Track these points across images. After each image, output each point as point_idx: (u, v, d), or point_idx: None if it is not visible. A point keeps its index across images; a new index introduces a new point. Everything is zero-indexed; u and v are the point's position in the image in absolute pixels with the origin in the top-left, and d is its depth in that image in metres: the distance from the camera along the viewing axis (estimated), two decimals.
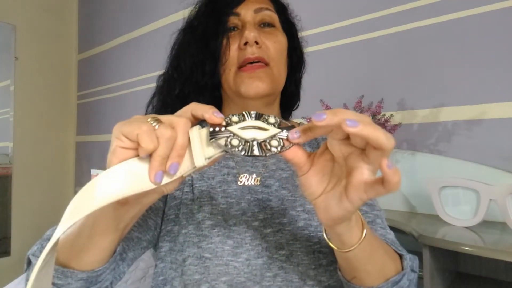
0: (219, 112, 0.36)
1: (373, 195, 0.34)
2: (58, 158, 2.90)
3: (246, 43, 0.58)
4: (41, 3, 2.81)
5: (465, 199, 0.99)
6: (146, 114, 0.66)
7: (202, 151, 0.35)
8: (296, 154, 0.36)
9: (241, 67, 0.59)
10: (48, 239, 0.47)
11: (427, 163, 1.22)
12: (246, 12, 0.60)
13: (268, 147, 0.35)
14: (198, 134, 0.35)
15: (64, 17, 2.97)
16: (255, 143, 0.35)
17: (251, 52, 0.57)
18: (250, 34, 0.57)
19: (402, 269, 0.49)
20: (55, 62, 2.90)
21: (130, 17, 2.54)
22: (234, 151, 0.34)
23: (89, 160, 2.82)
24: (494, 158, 1.12)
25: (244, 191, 0.59)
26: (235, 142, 0.35)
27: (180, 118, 0.35)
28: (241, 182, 0.60)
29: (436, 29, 1.26)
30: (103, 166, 2.45)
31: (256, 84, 0.57)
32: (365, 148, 0.33)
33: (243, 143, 0.35)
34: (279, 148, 0.35)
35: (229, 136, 0.35)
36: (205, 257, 0.53)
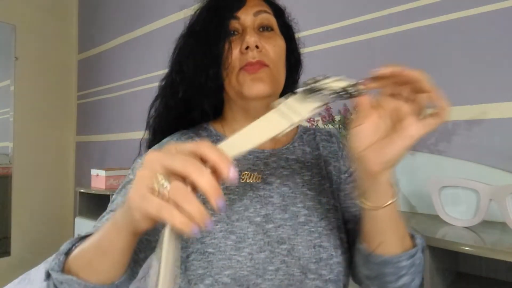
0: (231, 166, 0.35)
1: (428, 128, 0.43)
2: (58, 158, 2.90)
3: (247, 48, 0.59)
4: (41, 3, 2.81)
5: (465, 199, 0.99)
6: (148, 116, 0.69)
7: (296, 109, 0.42)
8: (367, 99, 0.46)
9: (242, 68, 0.60)
10: (64, 253, 0.48)
11: (427, 163, 1.22)
12: (246, 16, 0.62)
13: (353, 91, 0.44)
14: (286, 103, 0.43)
15: (64, 17, 2.97)
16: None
17: (252, 56, 0.59)
18: (251, 39, 0.59)
19: (415, 246, 0.54)
20: (55, 62, 2.91)
21: (130, 17, 2.54)
22: (336, 96, 0.43)
23: (89, 160, 2.81)
24: (494, 158, 1.12)
25: (246, 188, 0.61)
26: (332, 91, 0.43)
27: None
28: (243, 179, 0.61)
29: (436, 29, 1.26)
30: (103, 166, 2.45)
31: (257, 86, 0.59)
32: (411, 98, 0.44)
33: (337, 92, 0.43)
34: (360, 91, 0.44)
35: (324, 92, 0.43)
36: (208, 252, 0.54)
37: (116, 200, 0.59)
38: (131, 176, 0.61)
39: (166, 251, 0.34)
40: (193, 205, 0.32)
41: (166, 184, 0.33)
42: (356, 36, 1.45)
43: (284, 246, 0.57)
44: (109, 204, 0.60)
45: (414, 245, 0.54)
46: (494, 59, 1.15)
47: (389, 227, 0.51)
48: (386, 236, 0.51)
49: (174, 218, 0.32)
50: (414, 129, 0.43)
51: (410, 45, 1.32)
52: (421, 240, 0.55)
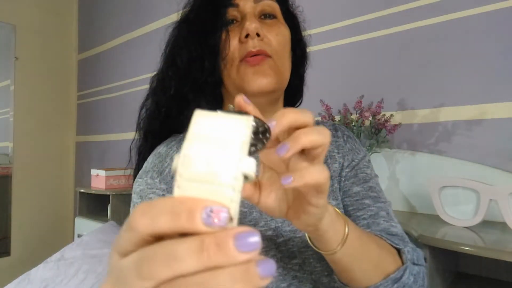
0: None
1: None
2: (58, 158, 2.90)
3: (247, 36, 0.54)
4: (41, 3, 2.81)
5: (465, 199, 0.99)
6: (139, 116, 0.63)
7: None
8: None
9: (243, 59, 0.55)
10: None
11: (427, 163, 1.22)
12: (246, 3, 0.56)
13: None
14: None
15: (64, 17, 2.97)
16: None
17: (253, 45, 0.53)
18: (251, 25, 0.53)
19: (402, 263, 0.47)
20: (55, 62, 2.90)
21: (130, 17, 2.54)
22: None
23: (89, 160, 2.81)
24: (494, 158, 1.12)
25: None
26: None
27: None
28: None
29: (436, 29, 1.26)
30: (103, 166, 2.45)
31: (260, 80, 0.53)
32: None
33: None
34: None
35: None
36: None
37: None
38: (136, 201, 0.56)
39: None
40: None
41: None
42: (357, 36, 1.45)
43: (295, 261, 0.53)
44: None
45: (402, 262, 0.47)
46: (494, 59, 1.15)
47: (355, 262, 0.43)
48: (355, 271, 0.44)
49: None
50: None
51: (410, 45, 1.32)
52: (410, 255, 0.48)
